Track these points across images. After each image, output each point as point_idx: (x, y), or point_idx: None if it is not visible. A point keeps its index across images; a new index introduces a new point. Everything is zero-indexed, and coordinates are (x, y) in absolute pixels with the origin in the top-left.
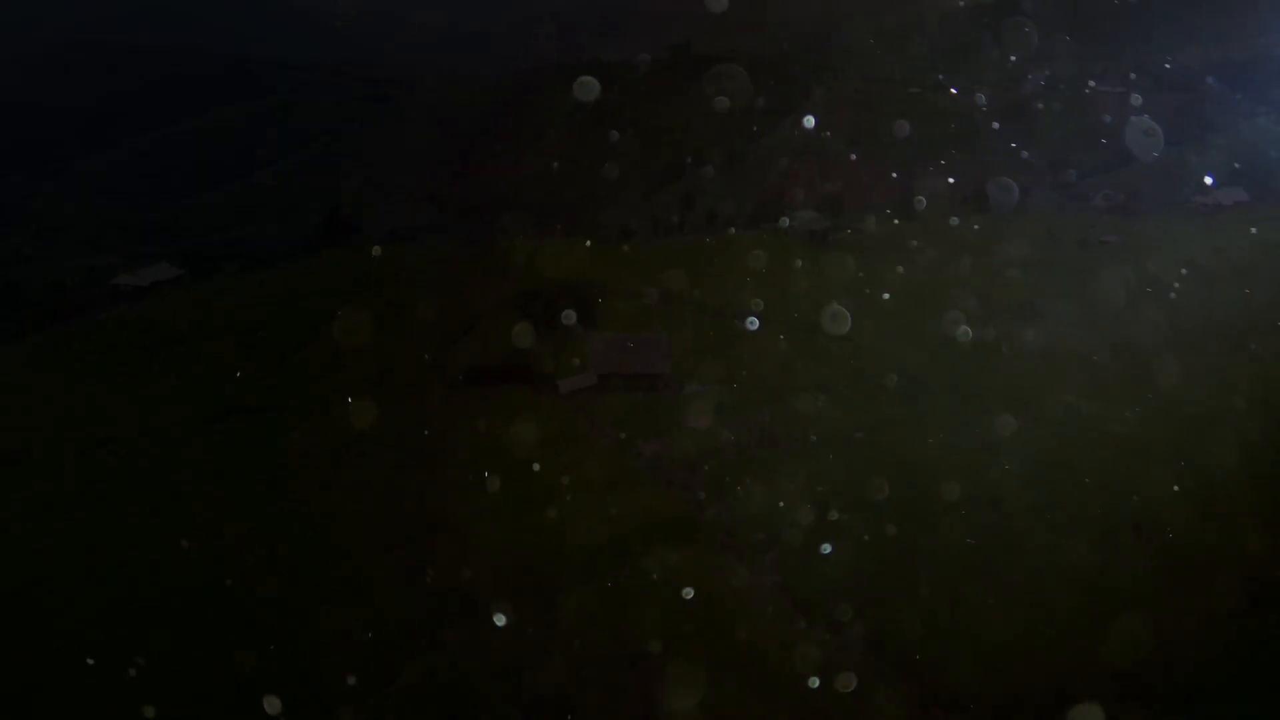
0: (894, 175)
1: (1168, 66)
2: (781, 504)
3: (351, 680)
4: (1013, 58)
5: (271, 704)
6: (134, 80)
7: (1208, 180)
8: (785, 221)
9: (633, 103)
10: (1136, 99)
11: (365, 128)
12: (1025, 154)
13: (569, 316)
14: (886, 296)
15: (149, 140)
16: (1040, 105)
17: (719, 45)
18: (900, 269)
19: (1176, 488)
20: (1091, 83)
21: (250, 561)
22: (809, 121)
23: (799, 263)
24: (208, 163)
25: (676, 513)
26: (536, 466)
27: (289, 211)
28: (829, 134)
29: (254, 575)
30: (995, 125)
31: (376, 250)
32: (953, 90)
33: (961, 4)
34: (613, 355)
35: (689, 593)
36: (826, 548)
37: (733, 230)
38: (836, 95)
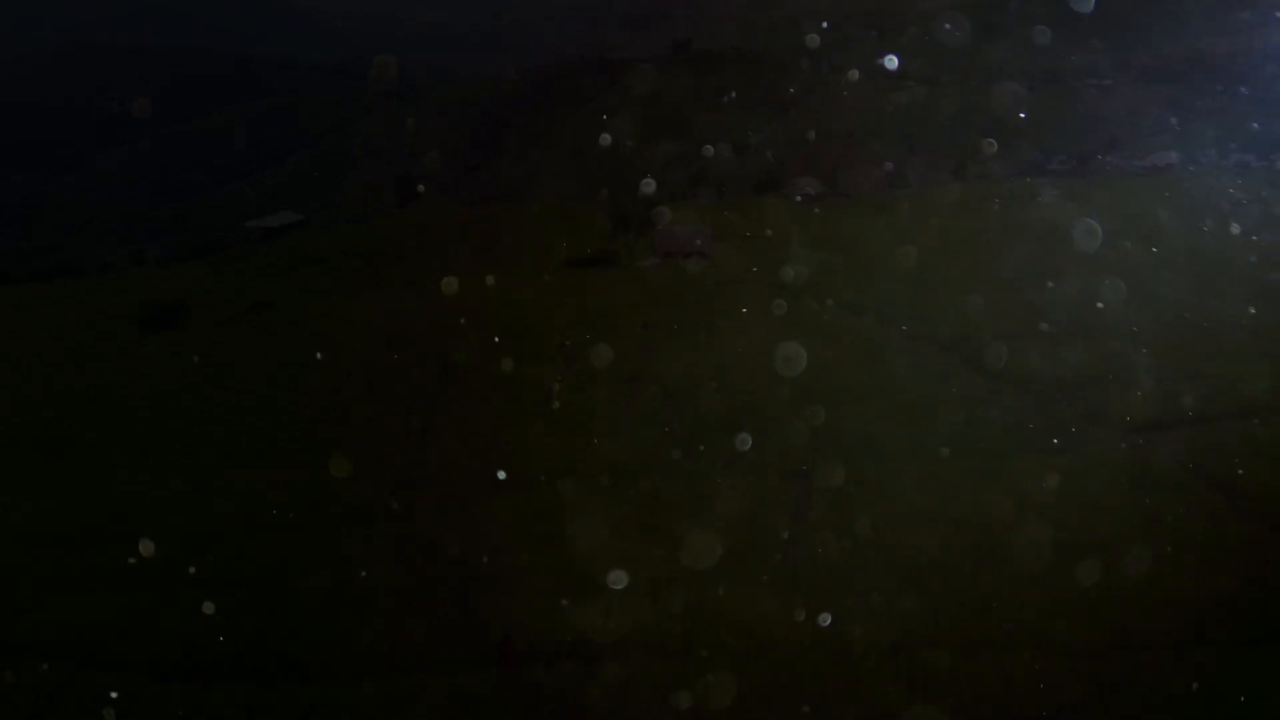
0: (885, 157)
1: (1152, 60)
2: (785, 292)
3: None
4: (1003, 52)
5: None
6: (137, 81)
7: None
8: (784, 189)
9: (636, 98)
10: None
11: (369, 126)
12: (1008, 138)
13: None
14: (860, 231)
15: (153, 140)
16: (1027, 96)
17: (719, 42)
18: (875, 219)
19: None
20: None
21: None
22: (807, 111)
23: (794, 214)
24: (217, 160)
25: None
26: (638, 297)
27: (304, 204)
28: (826, 123)
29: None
30: (983, 114)
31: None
32: (942, 82)
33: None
34: (673, 240)
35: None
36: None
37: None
38: (833, 87)
